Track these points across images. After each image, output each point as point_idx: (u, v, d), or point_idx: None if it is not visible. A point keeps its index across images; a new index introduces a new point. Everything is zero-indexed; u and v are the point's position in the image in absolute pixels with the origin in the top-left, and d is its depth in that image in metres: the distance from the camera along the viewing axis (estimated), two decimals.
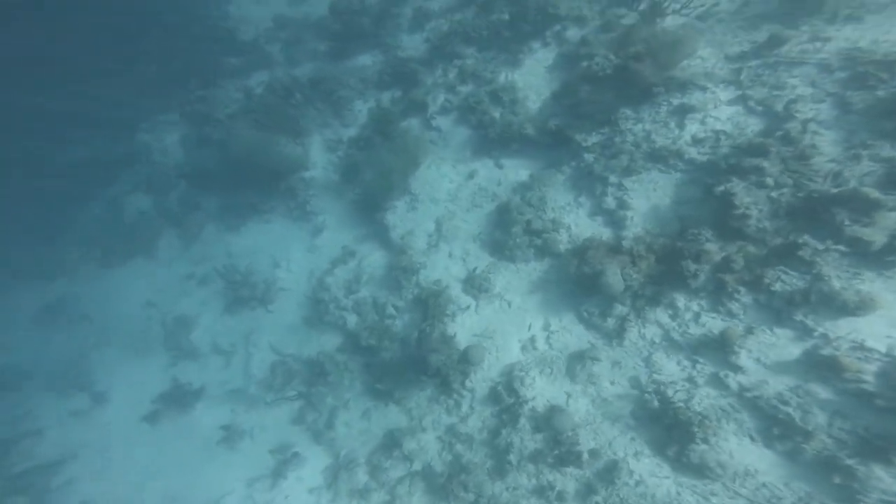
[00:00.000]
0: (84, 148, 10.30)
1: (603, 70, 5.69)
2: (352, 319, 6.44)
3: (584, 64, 6.00)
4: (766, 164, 4.21)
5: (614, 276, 4.63)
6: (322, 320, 6.74)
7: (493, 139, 6.43)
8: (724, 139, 4.76)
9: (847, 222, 3.64)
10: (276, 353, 7.14)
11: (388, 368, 5.89)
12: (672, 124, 5.18)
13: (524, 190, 5.95)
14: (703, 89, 5.15)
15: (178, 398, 7.54)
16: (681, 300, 4.35)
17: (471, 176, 6.54)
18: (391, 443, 5.55)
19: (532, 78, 6.78)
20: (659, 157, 5.12)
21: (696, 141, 4.93)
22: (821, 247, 3.73)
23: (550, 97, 6.35)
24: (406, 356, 5.74)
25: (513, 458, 4.76)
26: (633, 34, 5.53)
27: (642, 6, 6.27)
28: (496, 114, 6.66)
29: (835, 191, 3.83)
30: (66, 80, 10.35)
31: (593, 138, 5.69)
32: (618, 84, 5.58)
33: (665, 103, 5.31)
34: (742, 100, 4.89)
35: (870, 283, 3.50)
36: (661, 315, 4.43)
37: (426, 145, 6.94)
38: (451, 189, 6.58)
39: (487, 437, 5.07)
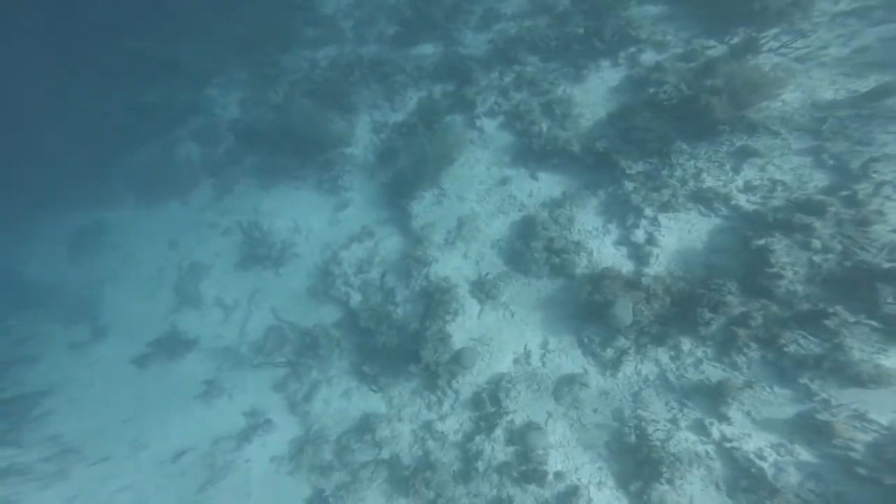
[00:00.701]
0: (159, 93, 12.02)
1: (670, 99, 6.03)
2: (356, 298, 7.06)
3: (652, 90, 6.39)
4: (818, 224, 4.35)
5: (624, 310, 4.92)
6: (327, 293, 7.42)
7: (534, 150, 6.91)
8: (780, 190, 4.91)
9: (890, 300, 3.74)
10: (275, 317, 7.88)
11: (380, 353, 6.42)
12: (728, 166, 5.41)
13: (554, 206, 6.36)
14: (775, 134, 5.30)
15: (172, 345, 8.40)
16: (686, 344, 4.56)
17: (503, 182, 7.04)
18: (365, 427, 6.03)
19: (591, 95, 7.23)
20: (703, 199, 5.36)
21: (749, 188, 5.12)
22: (852, 319, 3.85)
23: (605, 117, 6.76)
24: (400, 345, 6.24)
25: (480, 465, 5.11)
26: (716, 67, 5.79)
27: (735, 40, 6.43)
28: (544, 125, 7.16)
29: (887, 265, 3.93)
30: (168, 30, 12.17)
31: (639, 167, 6.02)
32: (681, 116, 5.89)
33: (727, 143, 5.53)
34: (815, 151, 4.99)
35: (894, 360, 3.60)
36: (662, 355, 4.66)
37: (465, 143, 7.54)
38: (480, 191, 7.11)
39: (461, 439, 5.44)
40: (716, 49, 6.63)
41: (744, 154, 5.37)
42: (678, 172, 5.63)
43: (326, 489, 5.72)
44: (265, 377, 7.31)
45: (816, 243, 4.28)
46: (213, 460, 6.66)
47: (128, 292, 9.98)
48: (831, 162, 4.85)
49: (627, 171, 5.97)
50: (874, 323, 3.76)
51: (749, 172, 5.22)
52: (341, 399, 6.55)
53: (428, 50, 9.74)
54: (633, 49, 7.39)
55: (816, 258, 4.23)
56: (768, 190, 5.00)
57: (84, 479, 7.01)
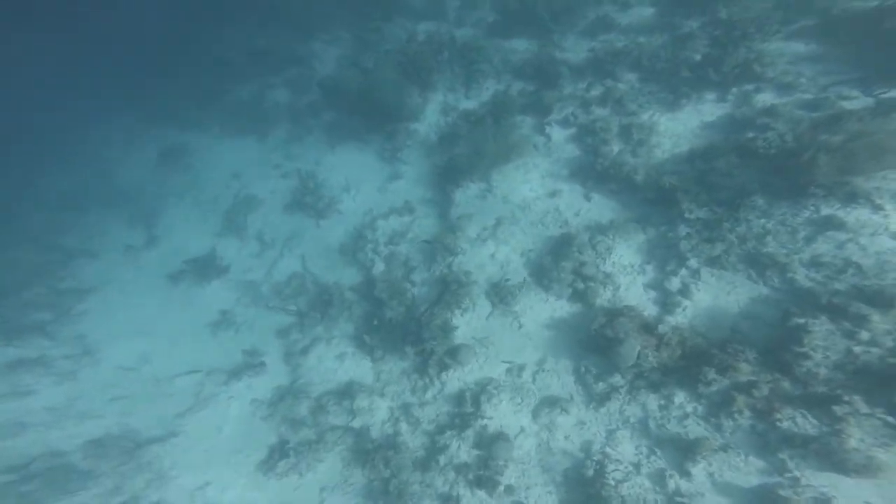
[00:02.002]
0: (268, 40, 14.96)
1: (768, 147, 6.36)
2: (379, 267, 8.35)
3: (752, 134, 6.80)
4: (877, 317, 4.57)
5: (630, 351, 5.49)
6: (355, 255, 8.84)
7: (596, 170, 7.64)
8: (850, 273, 5.09)
9: None
10: (302, 265, 9.53)
11: (384, 327, 7.60)
12: (801, 234, 5.65)
13: (597, 232, 7.03)
14: (876, 210, 5.41)
15: (205, 268, 10.48)
16: (679, 397, 5.01)
17: (553, 194, 7.84)
18: (347, 392, 7.21)
19: (679, 127, 7.75)
20: (757, 263, 5.69)
21: (815, 263, 5.35)
22: (865, 411, 4.12)
23: (685, 153, 7.27)
24: (405, 324, 7.37)
25: (442, 459, 5.98)
26: (844, 121, 5.88)
27: (885, 94, 6.45)
28: (615, 147, 7.86)
29: None
30: None
31: (701, 213, 6.47)
32: (772, 169, 6.20)
33: (811, 208, 5.74)
34: None
35: (892, 455, 3.86)
36: (652, 402, 5.15)
37: (528, 146, 8.49)
38: (527, 197, 7.99)
39: (433, 430, 6.36)
40: (856, 101, 6.66)
41: (826, 225, 5.57)
42: (742, 228, 6.01)
43: (291, 441, 6.94)
44: (274, 321, 8.90)
45: (865, 335, 4.50)
46: (200, 389, 8.28)
47: (186, 210, 12.56)
48: None
49: (686, 215, 6.45)
50: (890, 419, 4.00)
51: (823, 246, 5.43)
52: (334, 360, 7.83)
53: (521, 45, 10.89)
54: (750, 86, 7.70)
55: (857, 349, 4.45)
56: (837, 270, 5.19)
57: (89, 382, 8.98)
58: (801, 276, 5.32)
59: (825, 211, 5.67)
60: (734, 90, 7.85)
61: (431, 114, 10.42)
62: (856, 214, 5.51)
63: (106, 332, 10.17)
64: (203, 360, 8.79)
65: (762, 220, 5.95)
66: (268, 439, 7.19)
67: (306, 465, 6.63)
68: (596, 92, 8.95)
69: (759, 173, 6.41)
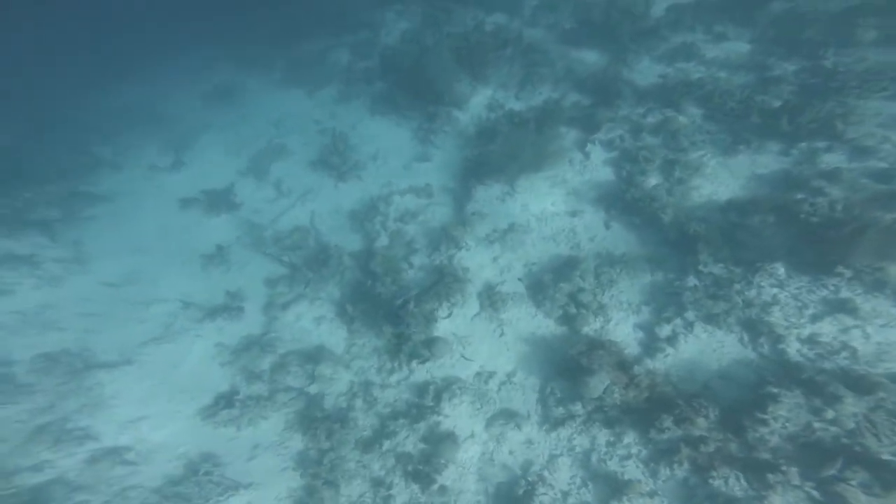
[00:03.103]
0: (344, 3, 16.80)
1: (811, 214, 6.73)
2: (383, 241, 9.24)
3: (801, 196, 7.18)
4: (851, 400, 4.95)
5: (598, 384, 6.04)
6: (363, 223, 9.81)
7: (625, 199, 8.19)
8: (843, 356, 5.47)
9: (854, 483, 4.41)
10: (309, 220, 10.58)
11: (369, 300, 8.44)
12: (809, 312, 5.99)
13: (605, 262, 7.57)
14: None
15: (217, 200, 11.81)
16: (629, 438, 5.52)
17: (574, 214, 8.45)
18: (313, 357, 8.06)
19: (726, 174, 8.15)
20: (753, 330, 6.08)
21: (813, 341, 5.71)
22: (796, 482, 4.57)
23: (723, 202, 7.68)
24: (391, 303, 8.17)
25: (387, 444, 6.71)
26: None
27: None
28: (652, 180, 8.39)
29: (886, 458, 4.52)
30: None
31: (716, 269, 6.91)
32: (807, 238, 6.54)
33: (831, 289, 6.08)
34: None
35: None
36: (602, 437, 5.68)
37: (563, 160, 9.15)
38: (547, 210, 8.64)
39: (386, 413, 7.10)
40: None
41: (839, 307, 5.91)
42: (751, 293, 6.42)
43: (241, 393, 7.79)
44: (265, 268, 9.95)
45: (830, 414, 4.90)
46: (172, 321, 9.25)
47: (219, 145, 14.19)
48: None
49: (700, 267, 6.91)
50: (816, 494, 4.43)
51: (827, 327, 5.78)
52: (312, 322, 8.74)
53: (591, 57, 11.57)
54: (822, 144, 7.95)
55: (818, 424, 4.88)
56: (831, 351, 5.56)
57: (69, 291, 10.08)
58: (793, 350, 5.72)
59: (844, 294, 6.00)
60: (802, 145, 8.11)
61: (476, 106, 11.27)
62: (874, 303, 5.83)
63: (104, 242, 11.50)
64: (187, 291, 9.85)
65: (775, 290, 6.34)
66: (219, 386, 8.02)
67: (248, 420, 7.41)
68: (653, 119, 9.48)
69: (790, 240, 6.77)
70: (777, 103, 8.89)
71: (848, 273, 6.13)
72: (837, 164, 7.61)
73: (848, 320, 5.79)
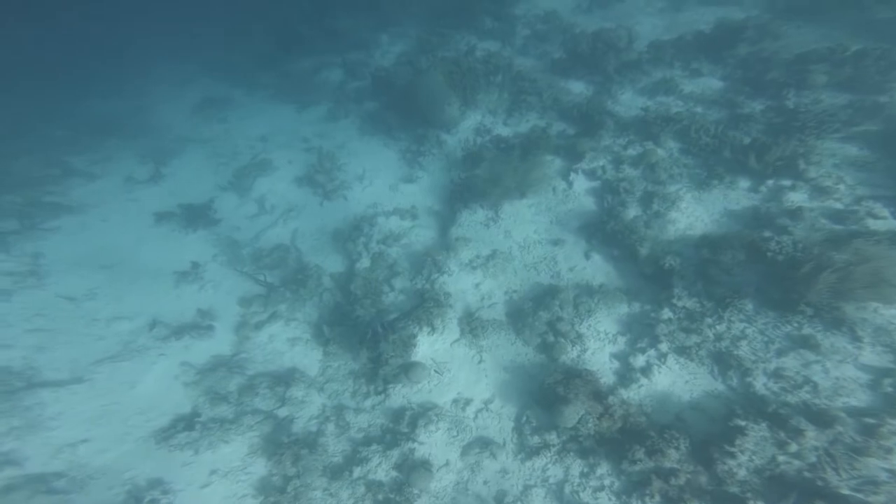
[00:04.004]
0: (345, 23, 17.63)
1: (777, 252, 7.27)
2: (364, 262, 9.47)
3: (768, 234, 7.71)
4: (811, 433, 5.33)
5: (573, 413, 6.31)
6: (345, 244, 10.04)
7: (605, 230, 8.64)
8: (805, 390, 5.86)
9: None
10: (290, 239, 10.78)
11: (346, 323, 8.61)
12: (774, 347, 6.43)
13: (584, 292, 7.96)
14: (854, 340, 6.18)
15: (195, 216, 11.88)
16: (602, 469, 5.78)
17: (556, 243, 8.86)
18: (284, 378, 8.13)
19: (701, 208, 8.70)
20: (723, 363, 6.48)
21: (777, 375, 6.11)
22: None
23: (697, 237, 8.16)
24: (368, 326, 8.35)
25: (357, 471, 6.78)
26: (857, 242, 6.59)
27: None
28: (631, 212, 8.89)
29: (846, 492, 4.88)
30: None
31: (688, 303, 7.35)
32: (770, 276, 7.05)
33: (794, 325, 6.53)
34: (883, 373, 5.81)
35: None
36: (576, 468, 5.93)
37: (547, 187, 9.61)
38: (530, 238, 9.04)
39: (359, 439, 7.22)
40: (882, 222, 7.47)
41: (802, 343, 6.36)
42: (721, 328, 6.85)
43: (203, 415, 7.66)
44: (241, 286, 10.04)
45: (793, 447, 5.26)
46: (132, 339, 9.05)
47: (202, 158, 14.43)
48: (889, 389, 5.70)
49: (675, 301, 7.35)
50: None
51: (790, 361, 6.22)
52: (285, 343, 8.83)
53: (577, 87, 12.24)
54: (787, 182, 8.59)
55: (781, 458, 5.22)
56: (794, 385, 5.97)
57: (20, 305, 9.74)
58: (759, 384, 6.12)
59: (806, 330, 6.46)
60: (770, 182, 8.74)
61: (465, 130, 11.77)
62: (833, 340, 6.29)
63: (66, 255, 11.27)
64: (153, 307, 9.77)
65: (744, 325, 6.79)
66: (180, 408, 7.84)
67: (207, 444, 7.20)
68: (633, 151, 10.07)
69: (759, 277, 7.27)
70: (747, 140, 9.56)
71: (809, 311, 6.60)
72: (800, 202, 8.21)
73: (810, 355, 6.23)
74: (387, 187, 11.34)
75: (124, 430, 7.56)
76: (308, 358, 8.52)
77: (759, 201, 8.55)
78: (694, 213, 8.60)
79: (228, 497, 6.71)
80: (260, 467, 7.06)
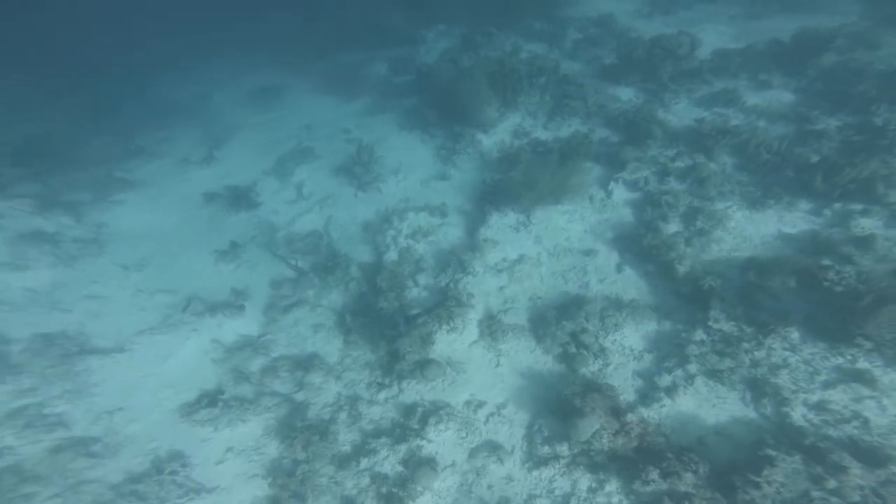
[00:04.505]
0: (396, 19, 18.44)
1: (835, 283, 6.89)
2: (391, 256, 9.70)
3: (828, 261, 7.33)
4: (857, 471, 5.04)
5: (587, 427, 6.21)
6: (374, 236, 10.35)
7: (641, 244, 8.45)
8: (854, 425, 5.56)
9: None
10: (323, 226, 11.23)
11: (369, 314, 8.85)
12: (821, 378, 6.13)
13: (612, 305, 7.79)
14: None
15: (239, 197, 12.62)
16: (611, 486, 5.64)
17: (587, 253, 8.75)
18: (305, 364, 8.44)
19: (751, 229, 8.34)
20: (758, 390, 6.21)
21: (821, 407, 5.80)
22: None
23: (743, 259, 7.83)
24: (390, 319, 8.55)
25: (363, 463, 6.93)
26: None
27: None
28: (672, 227, 8.65)
29: None
30: None
31: (725, 326, 7.07)
32: (825, 306, 6.72)
33: (848, 358, 6.20)
34: None
35: None
36: (584, 482, 5.81)
37: (584, 195, 9.51)
38: (559, 245, 8.98)
39: (369, 430, 7.39)
40: None
41: (855, 377, 6.01)
42: (760, 354, 6.55)
43: (226, 393, 8.07)
44: (273, 270, 10.51)
45: (832, 484, 4.97)
46: (171, 313, 9.70)
47: (251, 143, 15.44)
48: None
49: (710, 323, 7.09)
50: None
51: (837, 395, 5.90)
52: (309, 328, 9.15)
53: (626, 94, 12.05)
54: (857, 206, 8.16)
55: (816, 493, 4.94)
56: (840, 419, 5.66)
57: (81, 272, 10.70)
58: (798, 414, 5.84)
59: (862, 364, 6.12)
60: (837, 206, 8.32)
61: (503, 131, 11.86)
62: (894, 377, 5.93)
63: (125, 227, 12.28)
64: (194, 284, 10.45)
65: (787, 353, 6.48)
66: (207, 383, 8.30)
67: (227, 421, 7.58)
68: (681, 163, 9.81)
69: (810, 305, 6.92)
70: (815, 158, 9.10)
71: (868, 345, 6.24)
72: (873, 229, 7.75)
73: (863, 390, 5.90)
74: (419, 182, 11.63)
75: (154, 401, 8.05)
76: (329, 345, 8.79)
77: (821, 226, 8.16)
78: (742, 234, 8.29)
79: (240, 475, 7.02)
80: (272, 449, 7.34)
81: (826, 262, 7.32)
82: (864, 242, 7.53)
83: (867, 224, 7.90)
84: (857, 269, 6.97)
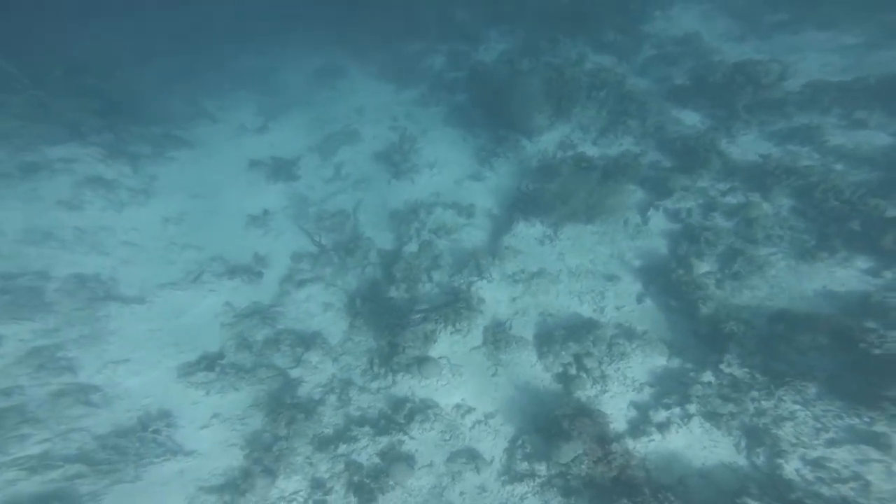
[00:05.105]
0: (463, 14, 19.43)
1: (874, 346, 6.62)
2: (412, 247, 10.21)
3: (871, 324, 7.02)
4: None
5: (570, 450, 6.39)
6: (399, 225, 10.94)
7: (669, 278, 8.48)
8: (851, 485, 5.56)
9: None
10: (353, 208, 11.95)
11: (379, 301, 9.37)
12: (827, 436, 6.11)
13: (623, 335, 7.89)
14: None
15: (281, 169, 13.63)
16: None
17: (610, 278, 8.88)
18: (306, 341, 8.96)
19: (792, 280, 8.19)
20: (757, 439, 6.26)
21: (819, 464, 5.82)
22: None
23: (776, 310, 7.69)
24: (398, 308, 9.04)
25: (342, 448, 7.29)
26: None
27: None
28: (705, 266, 8.62)
29: None
30: None
31: (738, 371, 7.02)
32: (855, 367, 6.62)
33: (864, 420, 6.13)
34: None
35: None
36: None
37: (619, 218, 9.62)
38: (582, 266, 9.18)
39: (355, 416, 7.85)
40: None
41: (868, 440, 5.94)
42: (767, 404, 6.49)
43: (226, 358, 8.68)
44: (296, 242, 11.30)
45: None
46: (194, 269, 10.60)
47: (303, 119, 16.67)
48: None
49: (722, 366, 7.09)
50: None
51: (842, 454, 5.87)
52: (319, 306, 9.78)
53: (690, 119, 11.97)
54: None
55: None
56: (838, 478, 5.65)
57: (126, 219, 11.86)
58: (792, 468, 5.86)
59: (879, 428, 6.03)
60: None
61: (549, 141, 12.12)
62: None
63: (174, 181, 13.58)
64: (221, 245, 11.40)
65: (797, 407, 6.47)
66: (209, 346, 8.97)
67: (219, 388, 8.18)
68: (733, 199, 9.68)
69: (838, 365, 6.78)
70: (893, 212, 8.64)
71: (892, 410, 6.12)
72: None
73: (873, 453, 5.84)
74: (452, 180, 12.17)
75: (158, 357, 8.78)
76: (335, 326, 9.37)
77: (876, 288, 7.87)
78: (781, 284, 8.18)
79: (219, 443, 7.53)
80: (257, 421, 7.81)
81: (871, 324, 7.11)
82: None
83: None
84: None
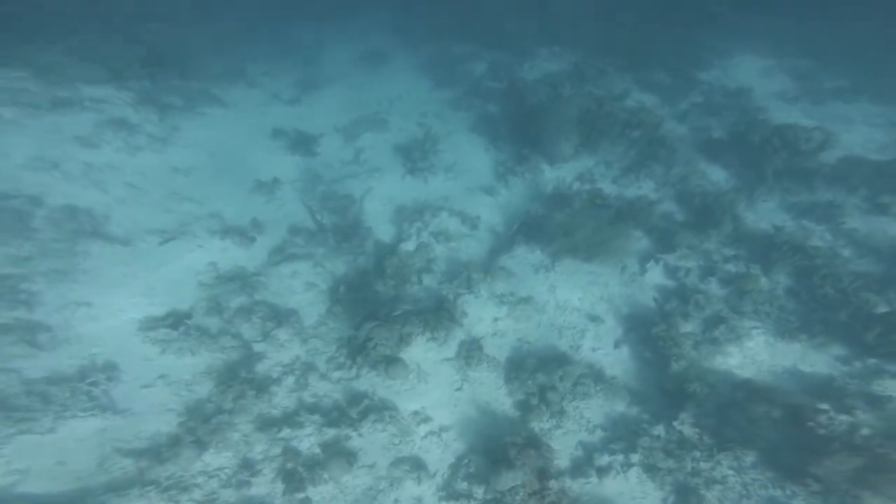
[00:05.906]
0: (511, 29, 20.79)
1: (822, 428, 7.19)
2: (409, 247, 10.97)
3: (825, 405, 7.56)
4: None
5: (509, 479, 6.99)
6: (402, 222, 11.75)
7: (650, 331, 9.14)
8: None
9: None
10: (361, 195, 12.80)
11: (365, 294, 10.10)
12: (748, 503, 6.85)
13: (591, 376, 8.54)
14: None
15: (301, 143, 14.62)
16: None
17: (594, 319, 9.56)
18: (279, 316, 9.48)
19: (766, 355, 8.77)
20: (683, 497, 6.92)
21: None
22: None
23: (742, 379, 8.31)
24: (381, 303, 9.76)
25: (284, 433, 7.69)
26: None
27: None
28: (687, 327, 9.28)
29: None
30: None
31: (688, 430, 7.68)
32: (798, 442, 7.21)
33: (786, 492, 6.80)
34: None
35: None
36: None
37: (617, 263, 10.28)
38: (570, 302, 9.85)
39: (308, 403, 8.31)
40: None
41: None
42: (704, 465, 7.24)
43: (193, 319, 9.03)
44: (297, 216, 12.10)
45: None
46: (189, 222, 11.30)
47: (337, 98, 17.91)
48: None
49: (675, 423, 7.80)
50: None
51: None
52: (302, 284, 10.42)
53: (716, 175, 12.66)
54: (894, 368, 8.33)
55: None
56: None
57: (139, 162, 12.70)
58: None
59: (797, 502, 6.78)
60: (871, 361, 8.54)
61: (569, 170, 12.83)
62: None
63: (195, 136, 14.52)
64: (223, 203, 12.26)
65: (731, 472, 7.20)
66: (182, 304, 9.42)
67: (176, 349, 8.50)
68: (732, 267, 10.29)
69: (783, 438, 7.40)
70: (882, 309, 9.13)
71: (816, 487, 6.78)
72: None
73: None
74: (465, 188, 13.02)
75: (124, 306, 9.12)
76: (313, 307, 10.02)
77: (841, 374, 8.51)
78: (754, 357, 8.81)
79: (157, 405, 7.78)
80: (204, 390, 8.13)
81: (824, 406, 7.68)
82: (878, 402, 7.80)
83: (893, 387, 8.09)
84: (854, 420, 7.41)
